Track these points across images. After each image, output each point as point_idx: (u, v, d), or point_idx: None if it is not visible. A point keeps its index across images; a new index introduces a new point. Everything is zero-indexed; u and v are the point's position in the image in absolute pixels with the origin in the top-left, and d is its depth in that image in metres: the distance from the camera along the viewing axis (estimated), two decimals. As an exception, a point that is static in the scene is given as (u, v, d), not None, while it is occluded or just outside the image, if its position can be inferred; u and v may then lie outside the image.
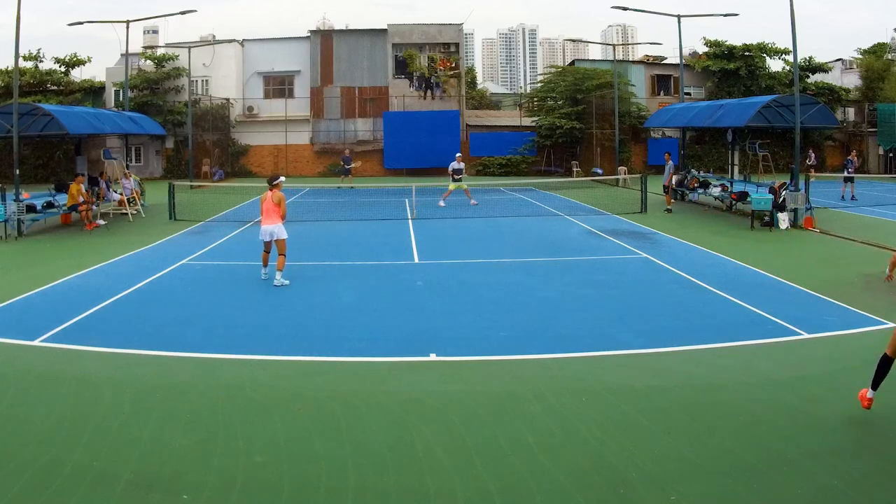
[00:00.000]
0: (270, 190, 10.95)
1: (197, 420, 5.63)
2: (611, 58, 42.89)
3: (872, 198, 24.34)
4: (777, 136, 31.80)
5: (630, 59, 55.45)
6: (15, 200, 16.16)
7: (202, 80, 39.18)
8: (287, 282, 10.74)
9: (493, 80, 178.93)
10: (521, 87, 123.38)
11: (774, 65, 41.94)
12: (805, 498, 4.37)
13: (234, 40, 40.21)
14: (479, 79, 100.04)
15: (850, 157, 26.23)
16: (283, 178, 11.44)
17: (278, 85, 40.70)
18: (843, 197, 24.24)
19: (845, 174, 25.27)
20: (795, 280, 10.76)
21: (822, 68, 41.43)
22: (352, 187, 29.03)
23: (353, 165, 30.37)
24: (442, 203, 22.28)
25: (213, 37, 41.77)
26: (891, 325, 8.26)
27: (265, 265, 11.09)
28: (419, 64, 40.01)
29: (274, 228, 10.78)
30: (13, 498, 4.37)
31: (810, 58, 41.22)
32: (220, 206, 22.41)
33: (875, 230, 16.46)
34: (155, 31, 41.23)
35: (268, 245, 10.98)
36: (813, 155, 34.84)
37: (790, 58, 36.12)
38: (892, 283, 6.56)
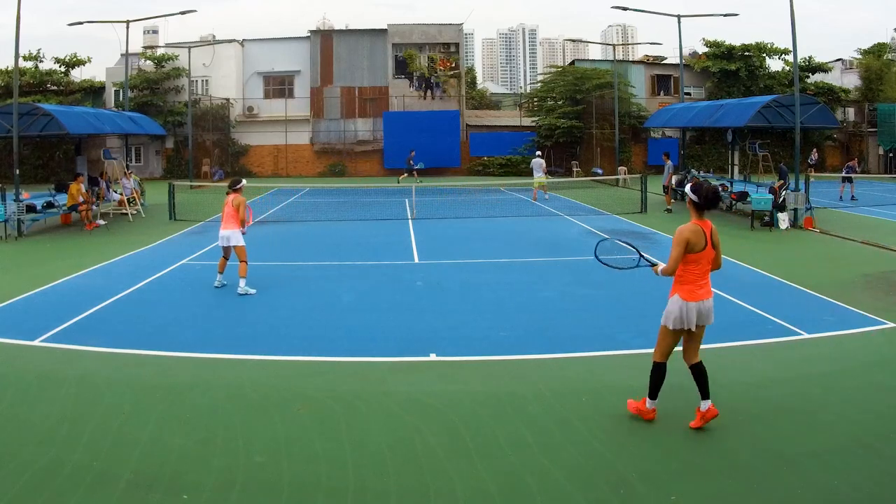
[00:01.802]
0: (231, 194, 10.44)
1: (197, 420, 5.63)
2: (611, 58, 42.92)
3: (872, 198, 24.35)
4: (777, 136, 31.82)
5: (630, 59, 55.47)
6: (15, 200, 16.16)
7: (202, 80, 39.20)
8: (252, 290, 10.12)
9: (493, 80, 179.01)
10: (521, 87, 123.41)
11: (774, 65, 42.05)
12: (805, 498, 4.37)
13: (234, 40, 40.22)
14: (479, 79, 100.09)
15: (849, 164, 26.42)
16: (244, 182, 10.81)
17: (278, 85, 40.72)
18: (841, 197, 24.26)
19: (843, 174, 25.34)
20: (795, 280, 10.76)
21: (821, 68, 41.46)
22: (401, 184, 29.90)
23: (417, 166, 32.47)
24: (546, 196, 24.67)
25: (213, 37, 41.78)
26: (891, 324, 8.27)
27: (220, 271, 10.52)
28: (419, 64, 40.03)
29: (230, 234, 10.28)
30: (13, 498, 4.36)
31: (810, 58, 41.26)
32: (220, 206, 22.22)
33: (875, 230, 16.46)
34: (155, 31, 41.26)
35: (226, 251, 10.48)
36: (815, 154, 34.92)
37: (790, 58, 36.22)
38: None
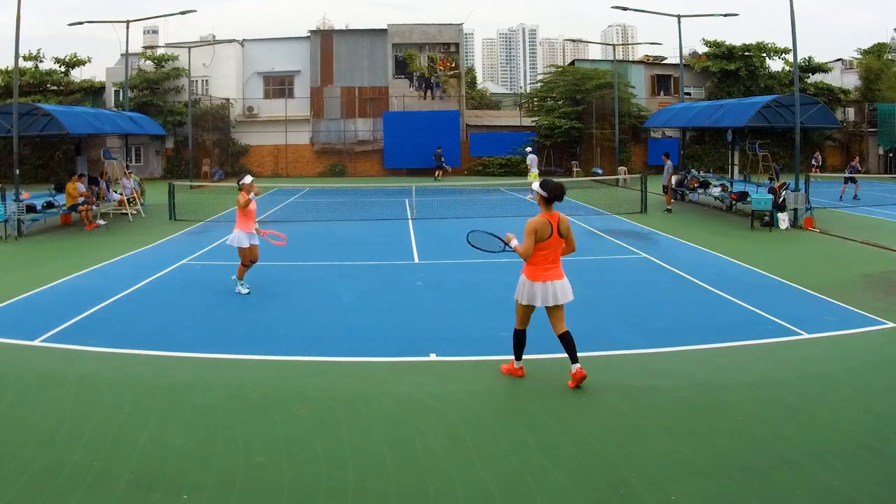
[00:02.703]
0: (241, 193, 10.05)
1: (197, 420, 5.63)
2: (611, 58, 42.91)
3: (872, 198, 24.34)
4: (777, 136, 31.82)
5: (630, 60, 55.45)
6: (15, 200, 16.16)
7: (202, 80, 39.19)
8: (244, 291, 9.94)
9: (493, 80, 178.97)
10: (521, 87, 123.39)
11: (774, 65, 42.05)
12: (805, 498, 4.37)
13: (234, 40, 40.21)
14: (479, 79, 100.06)
15: (852, 164, 26.58)
16: (247, 179, 10.10)
17: (278, 85, 40.72)
18: (841, 197, 24.21)
19: (846, 174, 25.35)
20: (795, 280, 10.76)
21: (821, 68, 41.46)
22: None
23: (447, 166, 35.72)
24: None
25: (213, 37, 41.78)
26: (891, 324, 8.27)
27: (241, 277, 10.22)
28: (419, 64, 40.03)
29: (231, 235, 10.15)
30: (13, 498, 4.36)
31: (810, 58, 41.27)
32: (220, 206, 22.40)
33: (875, 230, 16.46)
34: (155, 31, 41.26)
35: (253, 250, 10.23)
36: (819, 156, 35.11)
37: (790, 58, 36.24)
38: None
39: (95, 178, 20.45)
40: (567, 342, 6.22)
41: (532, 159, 25.57)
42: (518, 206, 22.64)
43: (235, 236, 10.06)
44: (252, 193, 10.04)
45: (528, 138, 39.31)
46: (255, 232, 10.13)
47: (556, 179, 6.33)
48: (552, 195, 6.21)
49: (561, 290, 6.20)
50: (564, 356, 7.20)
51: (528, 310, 6.35)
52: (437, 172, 35.40)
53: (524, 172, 37.87)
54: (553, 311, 6.26)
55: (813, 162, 33.62)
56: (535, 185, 6.34)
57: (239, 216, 10.05)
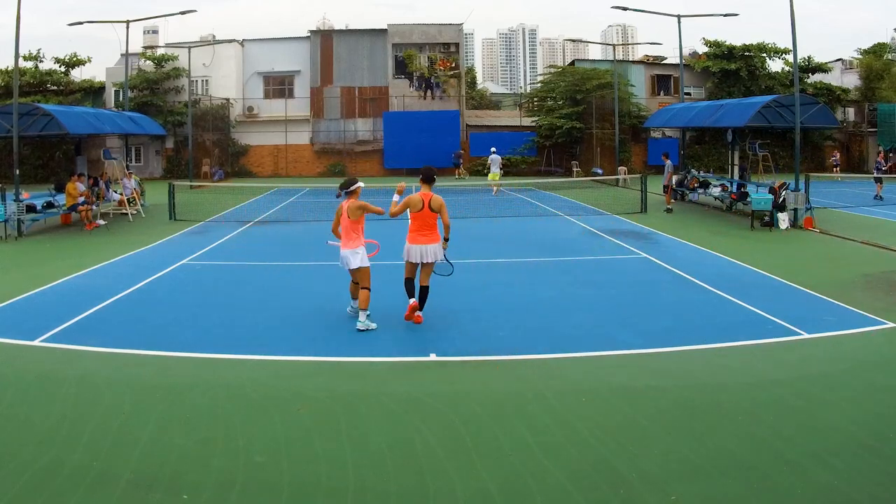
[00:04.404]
0: (347, 200, 8.40)
1: (197, 420, 5.63)
2: (611, 58, 42.92)
3: (872, 198, 24.32)
4: (777, 136, 31.82)
5: (630, 59, 55.46)
6: (15, 200, 16.15)
7: (202, 80, 39.20)
8: (373, 325, 8.14)
9: (493, 80, 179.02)
10: (521, 87, 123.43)
11: (774, 65, 42.06)
12: (805, 498, 4.37)
13: (234, 40, 40.22)
14: (479, 79, 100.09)
15: (878, 160, 26.79)
16: (361, 184, 8.51)
17: (278, 85, 40.72)
18: (875, 196, 23.83)
19: (875, 174, 25.27)
20: (795, 280, 10.76)
21: (821, 68, 41.46)
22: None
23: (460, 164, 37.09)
24: (499, 192, 26.46)
25: (213, 37, 41.78)
26: (891, 324, 8.27)
27: (353, 297, 8.73)
28: (419, 64, 40.04)
29: (348, 254, 8.22)
30: (13, 498, 4.36)
31: (810, 58, 41.27)
32: (220, 206, 22.41)
33: (875, 230, 16.46)
34: (155, 31, 41.27)
35: (353, 273, 8.43)
36: (837, 156, 35.63)
37: (790, 58, 36.23)
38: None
39: (96, 178, 20.45)
40: (423, 292, 8.32)
41: (493, 159, 26.62)
42: (518, 206, 22.65)
43: (358, 256, 8.28)
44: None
45: (528, 138, 39.40)
46: (358, 249, 8.29)
47: (432, 167, 8.68)
48: (423, 177, 8.36)
49: (428, 251, 8.10)
50: (563, 356, 7.31)
51: (412, 265, 8.29)
52: (457, 171, 36.67)
53: (524, 173, 38.07)
54: (424, 267, 8.24)
55: (834, 161, 33.92)
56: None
57: (355, 229, 8.35)
